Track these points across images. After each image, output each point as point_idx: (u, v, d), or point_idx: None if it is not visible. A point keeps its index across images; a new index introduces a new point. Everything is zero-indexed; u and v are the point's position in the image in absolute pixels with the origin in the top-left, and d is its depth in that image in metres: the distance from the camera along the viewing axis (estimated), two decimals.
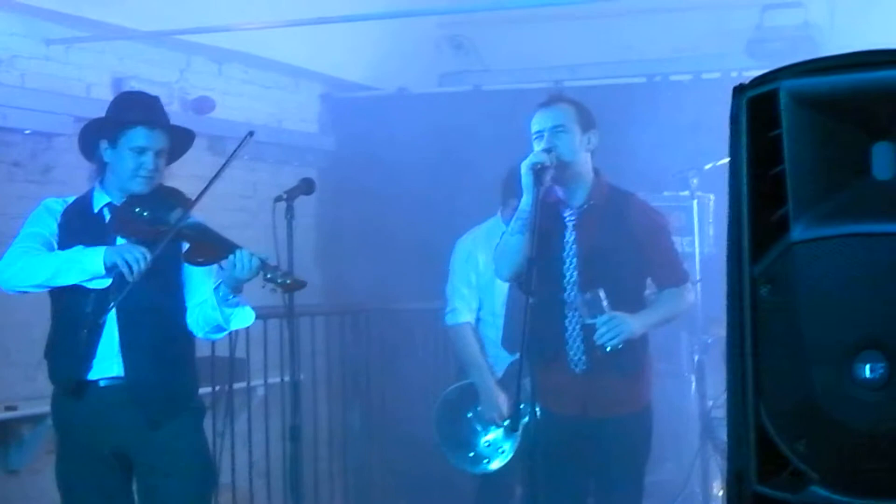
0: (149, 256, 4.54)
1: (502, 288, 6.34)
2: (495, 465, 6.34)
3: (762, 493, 2.09)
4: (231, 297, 4.70)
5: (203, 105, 8.31)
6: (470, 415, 6.47)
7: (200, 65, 8.46)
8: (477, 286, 6.55)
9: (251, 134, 4.88)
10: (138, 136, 4.76)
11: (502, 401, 6.28)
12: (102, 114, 4.95)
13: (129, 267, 4.52)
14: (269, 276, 4.63)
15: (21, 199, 6.82)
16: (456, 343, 6.67)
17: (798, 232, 2.04)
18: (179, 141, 4.97)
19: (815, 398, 2.04)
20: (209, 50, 8.23)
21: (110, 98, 7.04)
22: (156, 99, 4.99)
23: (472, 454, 6.42)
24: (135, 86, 7.53)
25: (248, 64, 8.77)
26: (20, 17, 7.02)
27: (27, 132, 7.06)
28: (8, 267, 4.69)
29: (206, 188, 4.79)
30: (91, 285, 4.67)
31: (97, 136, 4.87)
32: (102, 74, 7.62)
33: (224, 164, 4.82)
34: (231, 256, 4.60)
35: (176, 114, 7.91)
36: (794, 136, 2.05)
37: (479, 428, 6.43)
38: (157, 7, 7.41)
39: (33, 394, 6.58)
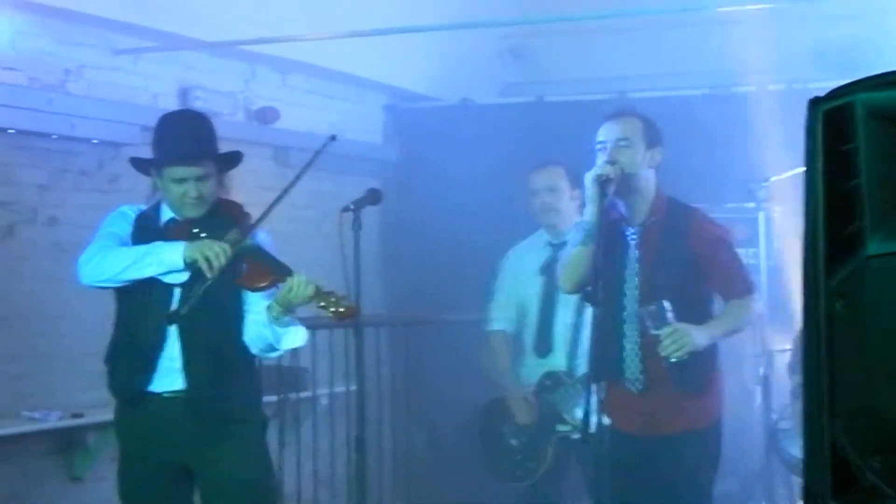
0: (229, 252, 4.55)
1: (538, 293, 6.44)
2: (527, 480, 6.49)
3: None
4: (283, 316, 4.67)
5: (267, 115, 8.36)
6: (503, 428, 6.58)
7: (265, 75, 8.51)
8: (516, 295, 6.63)
9: (333, 138, 4.87)
10: (176, 170, 4.74)
11: (530, 412, 6.42)
12: (154, 131, 4.97)
13: (209, 262, 4.53)
14: (322, 304, 4.60)
15: (88, 209, 6.89)
16: (484, 351, 6.77)
17: (874, 246, 2.02)
18: (225, 162, 4.94)
19: (890, 414, 2.02)
20: (273, 60, 8.28)
21: (177, 108, 7.16)
22: (195, 123, 4.94)
23: (507, 466, 6.58)
24: (200, 95, 7.61)
25: (312, 74, 8.81)
26: (88, 28, 7.09)
27: (95, 142, 7.13)
28: (88, 261, 4.72)
29: (268, 209, 4.80)
30: (168, 279, 4.69)
31: (145, 163, 4.91)
32: (169, 84, 7.68)
33: (296, 177, 4.84)
34: (288, 280, 4.58)
35: (240, 124, 8.00)
36: (871, 149, 2.02)
37: (512, 442, 6.56)
38: (222, 18, 7.47)
39: (98, 401, 6.62)
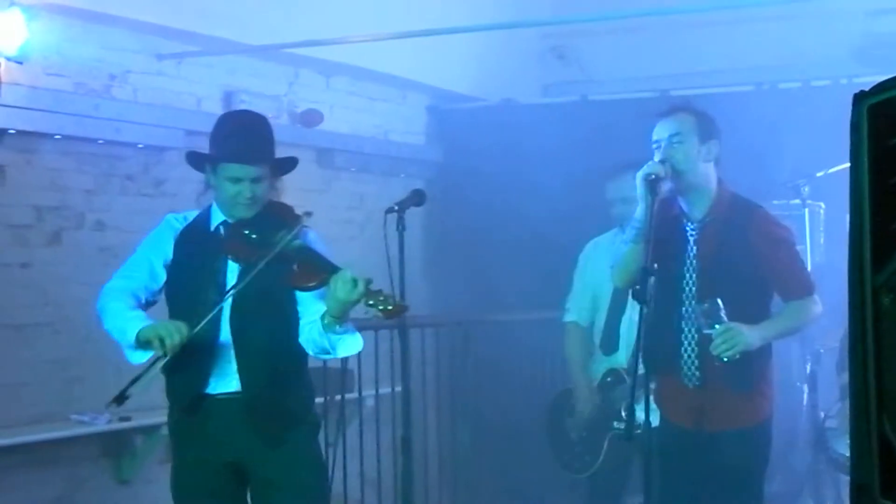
0: (184, 332, 4.50)
1: (610, 290, 6.43)
2: (584, 472, 6.64)
3: None
4: (337, 325, 4.61)
5: (311, 117, 8.38)
6: (567, 420, 6.73)
7: (308, 78, 8.54)
8: (591, 288, 6.67)
9: (308, 214, 4.77)
10: (233, 168, 4.73)
11: (593, 403, 6.56)
12: (213, 128, 4.97)
13: (161, 341, 4.49)
14: (370, 302, 4.49)
15: (134, 213, 6.95)
16: (562, 341, 6.87)
17: None
18: (280, 166, 4.93)
19: None
20: (317, 63, 8.31)
21: (221, 111, 7.19)
22: (257, 125, 4.91)
23: (567, 457, 6.76)
24: (245, 99, 7.64)
25: (356, 76, 8.83)
26: (132, 33, 7.14)
27: (140, 146, 7.18)
28: (101, 296, 4.80)
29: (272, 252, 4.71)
30: (133, 358, 4.70)
31: (202, 158, 4.92)
32: (213, 88, 7.73)
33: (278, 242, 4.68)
34: (332, 279, 4.50)
35: (284, 126, 8.02)
36: None
37: (572, 434, 6.70)
38: (265, 21, 7.50)
39: (146, 404, 6.65)
